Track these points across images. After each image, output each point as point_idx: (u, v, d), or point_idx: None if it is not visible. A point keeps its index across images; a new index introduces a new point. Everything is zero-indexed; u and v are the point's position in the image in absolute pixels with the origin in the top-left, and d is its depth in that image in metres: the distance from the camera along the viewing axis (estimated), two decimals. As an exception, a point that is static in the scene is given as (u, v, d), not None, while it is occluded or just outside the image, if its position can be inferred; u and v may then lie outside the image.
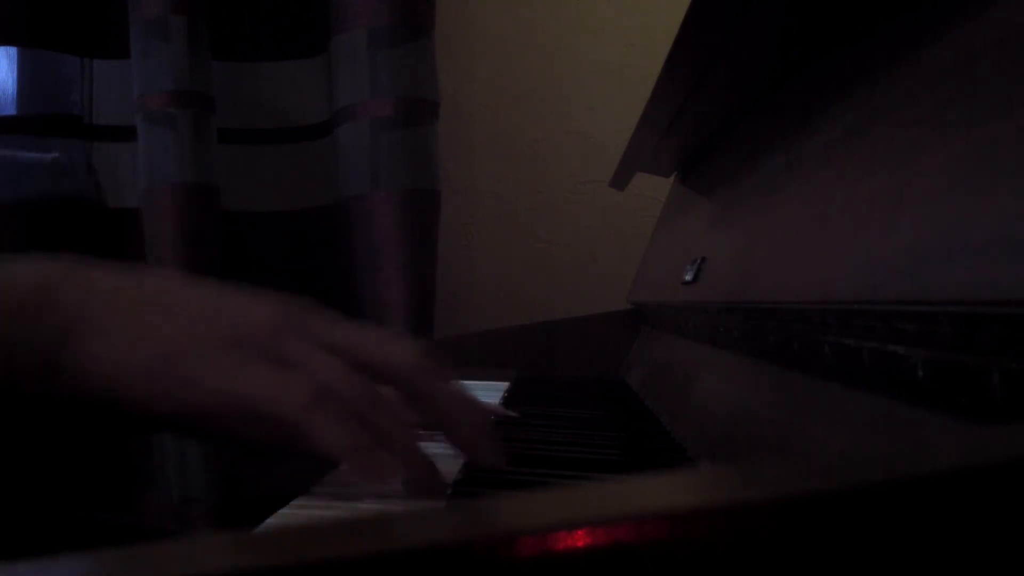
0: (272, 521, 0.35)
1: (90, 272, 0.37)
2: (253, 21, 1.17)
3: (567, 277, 1.27)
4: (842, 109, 0.42)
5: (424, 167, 1.09)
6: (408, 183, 1.08)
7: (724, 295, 0.51)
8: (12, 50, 1.16)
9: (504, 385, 0.80)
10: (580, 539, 0.13)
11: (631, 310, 1.01)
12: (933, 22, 0.34)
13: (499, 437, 0.39)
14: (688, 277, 0.61)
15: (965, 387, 0.23)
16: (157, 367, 0.34)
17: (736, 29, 0.51)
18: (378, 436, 0.34)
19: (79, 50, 1.15)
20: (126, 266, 0.39)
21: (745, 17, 0.49)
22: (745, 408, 0.45)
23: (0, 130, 1.13)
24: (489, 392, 0.75)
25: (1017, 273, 0.20)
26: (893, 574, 0.13)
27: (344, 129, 1.12)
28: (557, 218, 1.27)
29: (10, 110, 1.16)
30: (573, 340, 1.02)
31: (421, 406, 0.37)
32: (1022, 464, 0.13)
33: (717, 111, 0.70)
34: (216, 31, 1.11)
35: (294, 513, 0.37)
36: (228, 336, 0.35)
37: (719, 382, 0.53)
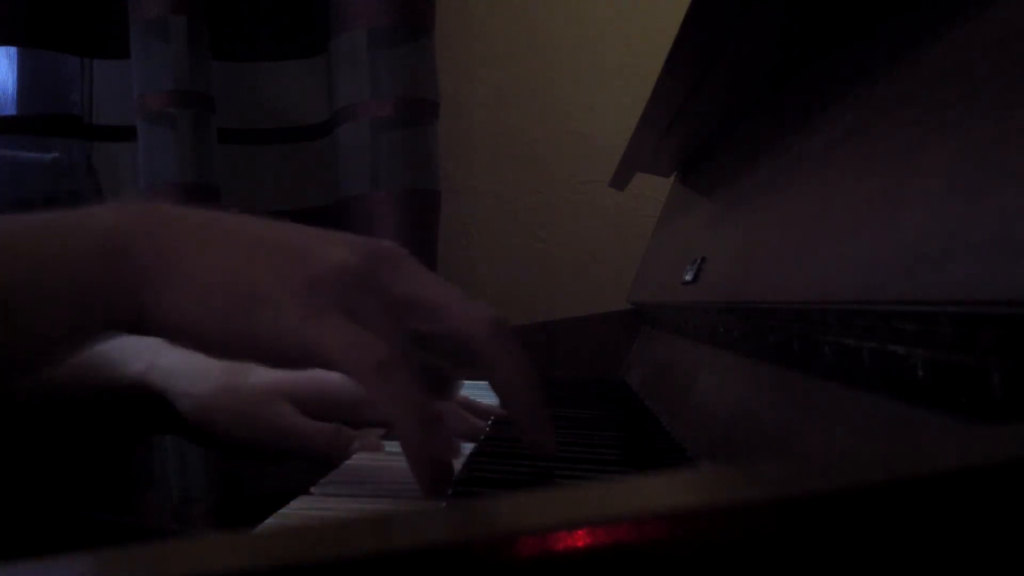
0: (272, 521, 0.35)
1: (166, 213, 0.37)
2: (253, 21, 1.17)
3: (567, 277, 1.27)
4: (842, 109, 0.42)
5: (424, 167, 1.09)
6: (408, 183, 1.08)
7: (724, 295, 0.51)
8: (12, 50, 1.16)
9: (504, 385, 0.79)
10: (580, 539, 0.13)
11: (631, 310, 1.01)
12: (933, 22, 0.34)
13: (550, 427, 0.39)
14: (688, 277, 0.61)
15: (965, 387, 0.23)
16: (234, 311, 0.34)
17: (736, 29, 0.51)
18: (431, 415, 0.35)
19: (79, 50, 1.15)
20: (200, 207, 0.38)
21: (745, 17, 0.49)
22: (745, 408, 0.45)
23: (0, 130, 1.13)
24: (489, 392, 0.75)
25: (1017, 273, 0.20)
26: (893, 574, 0.13)
27: (344, 129, 1.12)
28: (557, 218, 1.27)
29: (10, 110, 1.16)
30: (573, 340, 1.02)
31: (485, 375, 0.38)
32: (1022, 464, 0.13)
33: (717, 111, 0.70)
34: (216, 31, 1.11)
35: (294, 513, 0.37)
36: (305, 279, 0.35)
37: (719, 382, 0.53)
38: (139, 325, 0.35)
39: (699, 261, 0.61)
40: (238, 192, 1.14)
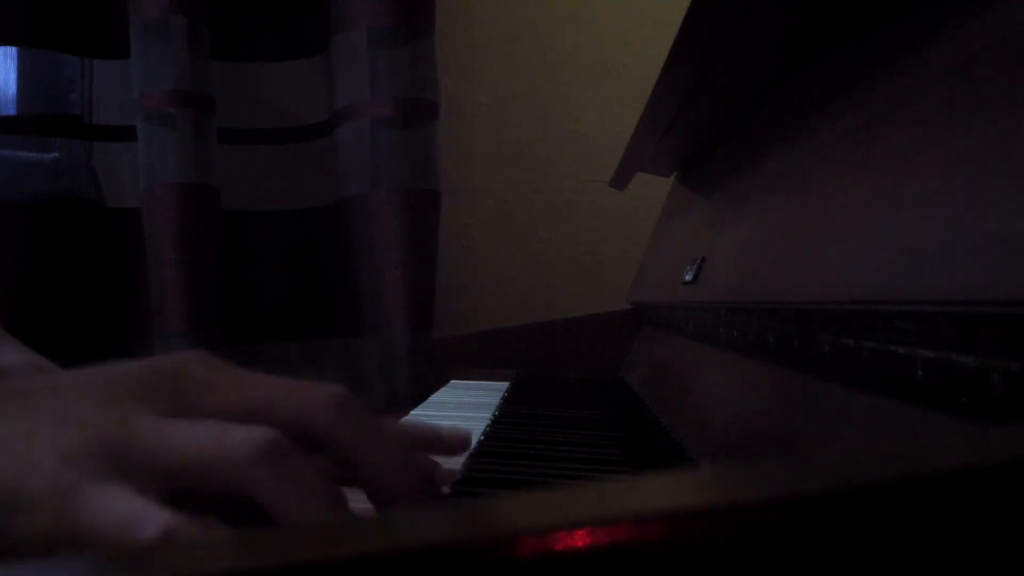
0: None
1: None
2: (253, 21, 1.17)
3: (567, 277, 1.27)
4: (842, 109, 0.42)
5: (424, 167, 1.10)
6: (408, 183, 1.08)
7: (724, 295, 0.51)
8: (12, 50, 1.16)
9: (504, 385, 0.80)
10: (580, 539, 0.13)
11: (631, 310, 1.01)
12: (933, 22, 0.34)
13: (437, 493, 0.32)
14: (688, 277, 0.61)
15: (965, 387, 0.23)
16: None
17: (736, 29, 0.51)
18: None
19: (79, 50, 1.15)
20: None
21: (745, 17, 0.49)
22: (745, 408, 0.45)
23: (0, 130, 1.13)
24: (489, 392, 0.75)
25: (1017, 273, 0.20)
26: (893, 574, 0.13)
27: (344, 129, 1.12)
28: (557, 218, 1.27)
29: (10, 110, 1.16)
30: (573, 340, 1.02)
31: (342, 462, 0.29)
32: (1022, 464, 0.13)
33: (717, 111, 0.70)
34: (216, 31, 1.11)
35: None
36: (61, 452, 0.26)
37: (719, 382, 0.53)
38: None
39: (699, 261, 0.61)
40: (238, 192, 1.15)
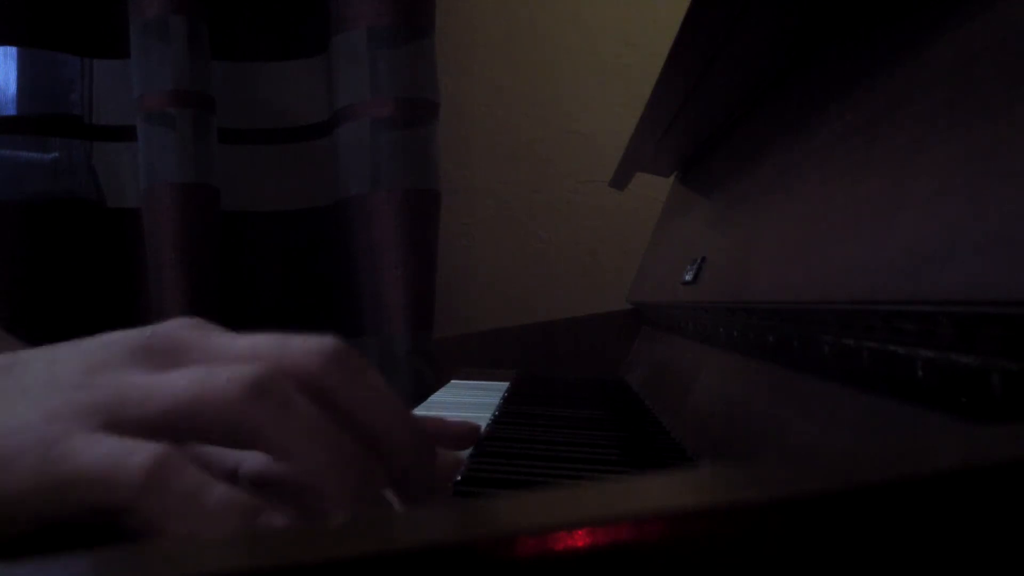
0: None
1: None
2: (253, 21, 1.17)
3: (567, 277, 1.27)
4: (842, 109, 0.42)
5: (424, 167, 1.10)
6: (408, 183, 1.08)
7: (724, 295, 0.51)
8: (12, 50, 1.16)
9: (504, 385, 0.80)
10: (580, 539, 0.13)
11: (631, 310, 1.01)
12: (933, 22, 0.34)
13: (431, 463, 0.30)
14: (688, 277, 0.61)
15: (965, 387, 0.23)
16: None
17: (736, 29, 0.51)
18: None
19: (79, 50, 1.15)
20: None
21: (745, 17, 0.49)
22: (745, 408, 0.45)
23: (0, 130, 1.13)
24: (489, 392, 0.75)
25: (1017, 273, 0.20)
26: (893, 574, 0.13)
27: (344, 129, 1.12)
28: (557, 218, 1.27)
29: (10, 110, 1.16)
30: (573, 340, 1.02)
31: (340, 419, 0.27)
32: (1022, 464, 0.13)
33: (717, 111, 0.70)
34: (216, 31, 1.11)
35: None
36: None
37: (719, 382, 0.53)
38: None
39: (699, 261, 0.61)
40: (238, 192, 1.15)
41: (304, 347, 0.27)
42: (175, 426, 0.25)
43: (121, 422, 0.25)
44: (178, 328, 0.28)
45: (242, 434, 0.25)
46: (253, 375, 0.25)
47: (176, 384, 0.25)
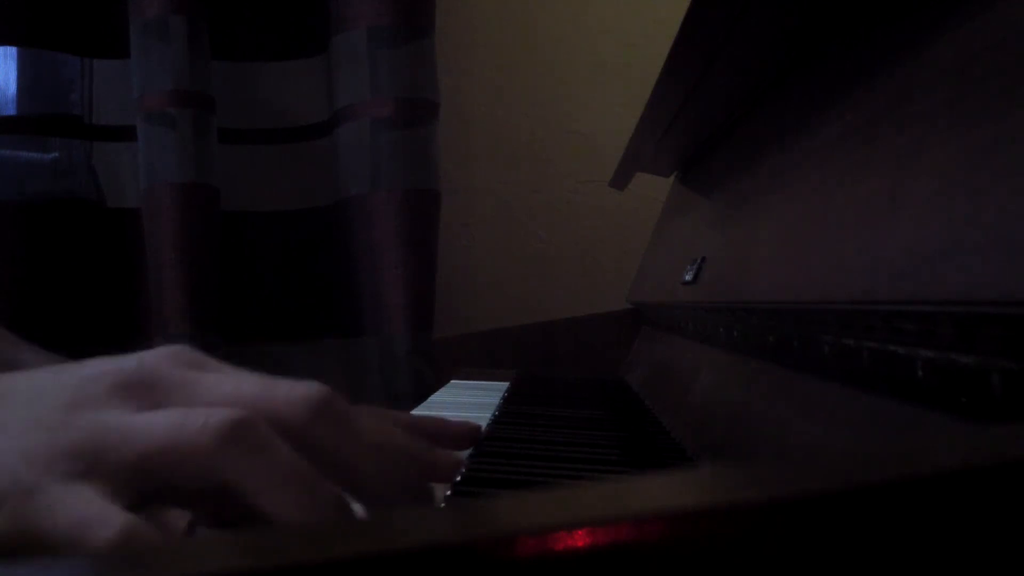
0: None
1: None
2: (253, 21, 1.17)
3: (567, 277, 1.27)
4: (842, 109, 0.42)
5: (424, 167, 1.10)
6: (408, 183, 1.08)
7: (724, 295, 0.51)
8: (12, 50, 1.16)
9: (504, 385, 0.80)
10: (580, 539, 0.13)
11: (631, 310, 1.01)
12: (933, 22, 0.34)
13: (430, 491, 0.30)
14: (688, 277, 0.61)
15: (965, 387, 0.23)
16: None
17: (736, 29, 0.51)
18: None
19: (79, 50, 1.15)
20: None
21: (745, 17, 0.49)
22: (745, 408, 0.45)
23: (0, 130, 1.13)
24: (489, 392, 0.75)
25: (1017, 273, 0.20)
26: (893, 574, 0.13)
27: (344, 129, 1.12)
28: (557, 218, 1.27)
29: (10, 110, 1.16)
30: (573, 340, 1.02)
31: (323, 465, 0.26)
32: (1022, 464, 0.13)
33: (717, 111, 0.70)
34: (216, 31, 1.11)
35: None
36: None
37: (719, 382, 0.53)
38: None
39: (699, 261, 0.61)
40: (238, 192, 1.15)
41: (289, 394, 0.27)
42: (151, 473, 0.25)
43: (98, 467, 0.24)
44: (164, 362, 0.28)
45: (213, 480, 0.25)
46: (229, 421, 0.25)
47: (153, 428, 0.25)
